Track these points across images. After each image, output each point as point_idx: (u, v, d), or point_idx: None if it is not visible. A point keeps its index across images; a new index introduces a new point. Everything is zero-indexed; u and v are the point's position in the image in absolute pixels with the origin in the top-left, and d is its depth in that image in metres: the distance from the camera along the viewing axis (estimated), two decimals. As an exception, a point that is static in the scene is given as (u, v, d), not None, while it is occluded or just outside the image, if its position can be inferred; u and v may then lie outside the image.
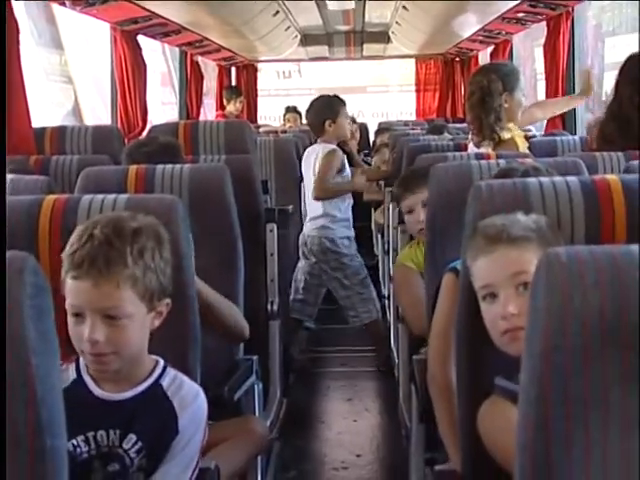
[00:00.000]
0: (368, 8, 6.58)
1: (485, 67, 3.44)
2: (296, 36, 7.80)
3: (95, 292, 1.33)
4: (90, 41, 7.25)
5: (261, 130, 6.48)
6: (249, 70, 8.54)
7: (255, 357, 2.19)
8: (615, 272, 0.92)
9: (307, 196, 4.08)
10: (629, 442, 0.92)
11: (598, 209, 1.47)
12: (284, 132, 6.24)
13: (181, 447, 1.41)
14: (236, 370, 2.02)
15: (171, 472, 1.40)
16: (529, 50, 7.68)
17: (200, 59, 6.62)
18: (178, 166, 2.28)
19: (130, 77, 4.70)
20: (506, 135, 3.04)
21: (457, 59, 8.32)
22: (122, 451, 1.39)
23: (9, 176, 2.42)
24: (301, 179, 4.36)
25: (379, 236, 5.18)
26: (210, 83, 7.94)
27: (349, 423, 3.43)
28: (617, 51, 6.09)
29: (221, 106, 7.27)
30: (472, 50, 7.41)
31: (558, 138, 3.56)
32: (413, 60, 9.26)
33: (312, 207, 4.00)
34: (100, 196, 1.72)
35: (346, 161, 4.00)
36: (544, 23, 4.58)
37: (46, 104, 6.67)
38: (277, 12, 5.97)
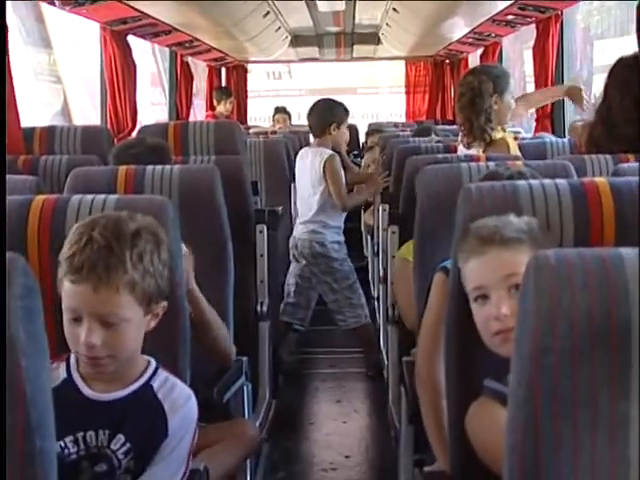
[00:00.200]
0: (358, 9, 6.59)
1: (476, 69, 3.45)
2: (286, 37, 7.79)
3: (94, 297, 1.32)
4: (79, 41, 7.23)
5: (251, 131, 6.47)
6: (239, 71, 8.54)
7: (245, 358, 2.18)
8: (604, 275, 0.93)
9: (298, 198, 4.08)
10: (617, 443, 0.93)
11: (587, 212, 1.48)
12: (274, 133, 6.24)
13: (170, 449, 1.40)
14: (226, 371, 2.02)
15: (159, 474, 1.39)
16: (518, 53, 7.71)
17: (190, 59, 6.61)
18: (168, 167, 2.27)
19: (120, 77, 4.68)
20: (497, 135, 3.05)
21: (447, 61, 8.34)
22: (110, 452, 1.38)
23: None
24: (292, 180, 4.35)
25: (369, 237, 5.19)
26: (200, 84, 7.93)
27: (338, 424, 3.43)
28: (606, 54, 6.12)
29: (211, 107, 7.26)
30: (462, 52, 7.44)
31: (547, 140, 3.58)
32: (403, 62, 9.28)
33: (303, 210, 3.99)
34: (89, 196, 1.72)
35: None
36: (533, 26, 4.60)
37: (35, 104, 6.65)
38: (267, 13, 5.97)
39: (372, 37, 8.11)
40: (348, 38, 8.27)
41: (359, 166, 6.19)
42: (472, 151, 3.04)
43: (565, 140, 3.57)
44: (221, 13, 5.18)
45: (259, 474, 2.54)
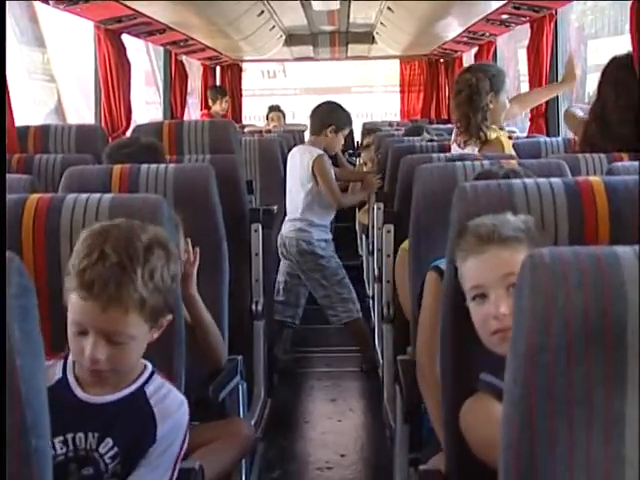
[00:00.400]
0: (353, 9, 6.58)
1: (473, 67, 3.45)
2: (281, 36, 7.79)
3: (102, 316, 1.32)
4: (73, 40, 7.21)
5: (246, 130, 6.46)
6: (234, 70, 8.52)
7: (240, 357, 2.18)
8: (599, 273, 0.93)
9: (287, 195, 4.08)
10: (612, 441, 0.93)
11: (581, 210, 1.48)
12: (268, 132, 6.23)
13: (157, 455, 1.39)
14: (220, 370, 2.02)
15: (145, 477, 1.38)
16: (513, 52, 7.72)
17: (185, 58, 6.59)
18: (163, 166, 2.27)
19: (114, 76, 4.67)
20: (492, 135, 3.06)
21: (441, 60, 8.34)
22: (98, 455, 1.38)
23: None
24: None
25: (363, 237, 5.19)
26: (194, 83, 7.91)
27: (333, 423, 3.43)
28: (599, 54, 6.13)
29: (206, 105, 7.25)
30: (456, 51, 7.44)
31: (542, 140, 3.59)
32: (397, 61, 9.28)
33: (291, 208, 4.00)
34: (84, 195, 1.71)
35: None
36: (528, 25, 4.61)
37: (29, 103, 6.63)
38: (262, 12, 5.96)
39: (367, 36, 8.11)
40: (343, 37, 8.27)
41: (354, 165, 6.20)
42: (467, 150, 3.04)
43: (559, 139, 3.58)
44: (215, 12, 5.17)
45: (254, 473, 2.54)
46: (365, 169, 5.17)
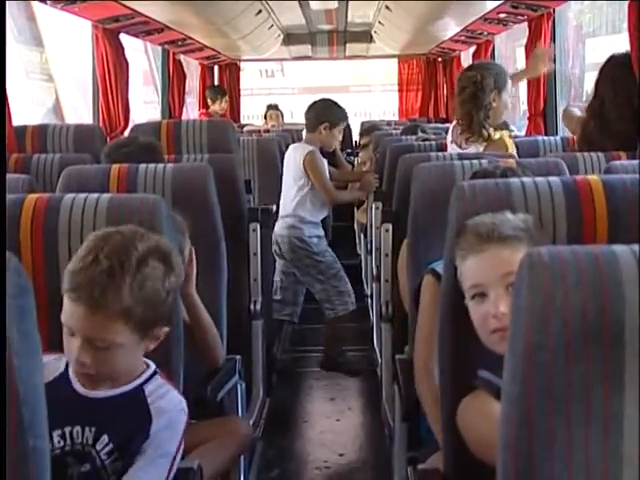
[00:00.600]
0: (351, 8, 6.58)
1: (476, 65, 3.46)
2: (279, 35, 7.78)
3: (87, 320, 1.32)
4: (71, 39, 7.20)
5: (245, 129, 6.46)
6: (232, 69, 8.52)
7: (238, 357, 2.18)
8: (597, 272, 0.93)
9: (282, 193, 4.09)
10: (610, 440, 0.93)
11: (580, 209, 1.48)
12: (267, 131, 6.23)
13: (151, 451, 1.38)
14: (219, 370, 2.02)
15: (139, 474, 1.37)
16: (511, 50, 7.72)
17: (182, 58, 6.59)
18: (161, 165, 2.27)
19: (112, 76, 4.66)
20: (496, 135, 3.06)
21: (439, 59, 8.34)
22: (94, 452, 1.39)
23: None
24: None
25: (362, 236, 5.19)
26: (192, 82, 7.91)
27: (332, 422, 3.43)
28: (597, 52, 6.13)
29: (204, 105, 7.25)
30: (454, 50, 7.44)
31: (540, 138, 3.59)
32: (396, 60, 9.28)
33: (284, 205, 4.01)
34: (82, 195, 1.71)
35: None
36: (526, 24, 4.61)
37: (26, 102, 6.62)
38: (260, 11, 5.96)
39: (365, 35, 8.10)
40: (341, 36, 8.27)
41: (352, 164, 6.20)
42: (471, 149, 3.04)
43: (558, 138, 3.58)
44: (213, 11, 5.17)
45: (253, 472, 2.54)
46: (364, 168, 5.17)
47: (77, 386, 1.42)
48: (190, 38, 6.02)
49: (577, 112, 3.24)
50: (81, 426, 1.39)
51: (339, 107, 4.02)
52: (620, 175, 1.81)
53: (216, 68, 8.26)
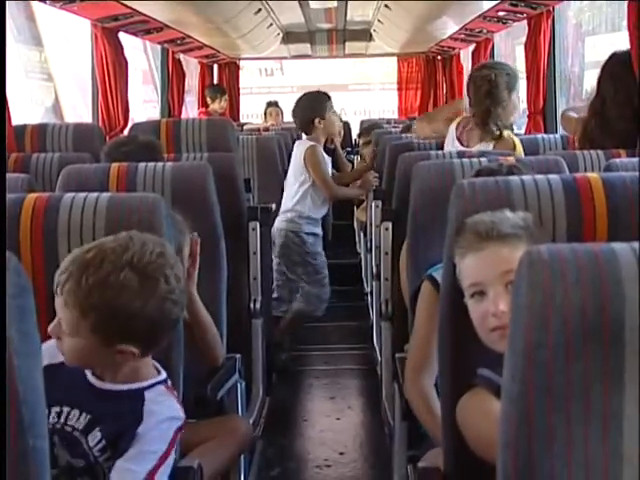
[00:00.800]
0: (350, 6, 6.57)
1: (489, 64, 3.49)
2: (278, 34, 7.78)
3: (61, 312, 1.37)
4: (70, 38, 7.20)
5: (245, 127, 6.46)
6: (231, 68, 8.51)
7: (238, 356, 2.18)
8: (596, 270, 0.93)
9: (285, 190, 4.10)
10: (610, 438, 0.93)
11: (579, 207, 1.48)
12: (267, 129, 6.22)
13: (139, 445, 1.37)
14: (219, 369, 2.02)
15: (127, 466, 1.37)
16: (510, 48, 7.71)
17: (182, 57, 6.59)
18: (160, 164, 2.27)
19: (111, 75, 4.66)
20: (505, 133, 3.10)
21: (439, 57, 8.33)
22: (88, 448, 1.39)
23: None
24: (285, 176, 4.36)
25: (361, 234, 5.19)
26: (192, 81, 7.90)
27: (332, 421, 3.43)
28: (597, 50, 6.13)
29: (203, 104, 7.24)
30: (454, 48, 7.43)
31: (540, 137, 3.59)
32: (395, 58, 9.27)
33: (285, 201, 4.02)
34: (82, 194, 1.71)
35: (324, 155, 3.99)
36: (525, 22, 4.60)
37: (26, 102, 6.62)
38: (259, 10, 5.95)
39: (364, 34, 8.10)
40: (340, 35, 8.26)
41: (352, 163, 6.20)
42: (481, 147, 3.07)
43: (557, 136, 3.58)
44: (213, 10, 5.17)
45: (253, 471, 2.54)
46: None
47: (89, 372, 1.45)
48: (189, 37, 6.01)
49: (574, 114, 3.25)
50: (79, 410, 1.41)
51: (317, 96, 4.03)
52: (620, 173, 1.80)
53: (215, 67, 8.26)
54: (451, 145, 3.24)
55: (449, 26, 6.15)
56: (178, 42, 6.02)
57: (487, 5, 4.76)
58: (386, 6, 6.00)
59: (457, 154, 2.68)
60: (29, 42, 6.95)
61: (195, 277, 1.91)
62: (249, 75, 10.31)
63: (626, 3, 2.67)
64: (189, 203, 2.18)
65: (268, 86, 10.87)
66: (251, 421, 2.47)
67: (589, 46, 6.41)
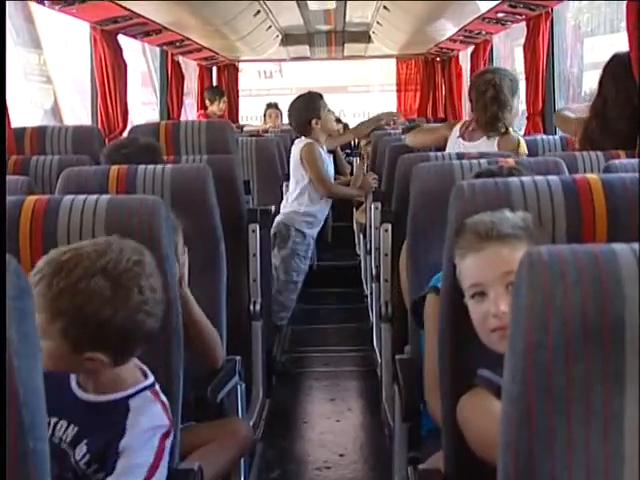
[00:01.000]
0: (349, 8, 6.58)
1: (491, 69, 3.54)
2: (277, 36, 7.78)
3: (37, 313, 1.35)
4: (69, 41, 7.20)
5: (245, 129, 6.46)
6: (230, 70, 8.52)
7: (238, 358, 2.18)
8: (596, 271, 0.93)
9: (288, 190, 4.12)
10: (611, 439, 0.93)
11: (579, 208, 1.48)
12: (266, 132, 6.23)
13: (124, 461, 1.33)
14: (219, 371, 2.02)
15: None
16: (509, 50, 7.72)
17: (181, 59, 6.59)
18: (160, 166, 2.27)
19: (110, 77, 4.67)
20: (510, 130, 3.14)
21: (438, 59, 8.34)
22: (74, 462, 1.37)
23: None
24: (284, 178, 4.38)
25: (361, 236, 5.19)
26: (191, 83, 7.91)
27: (332, 423, 3.43)
28: (596, 52, 6.14)
29: (202, 106, 7.25)
30: (452, 50, 7.44)
31: (539, 138, 3.59)
32: (394, 60, 9.28)
33: (284, 200, 4.03)
34: (82, 197, 1.71)
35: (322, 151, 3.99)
36: (524, 23, 4.61)
37: (25, 104, 6.62)
38: (258, 12, 5.96)
39: (363, 35, 8.10)
40: (339, 36, 8.26)
41: (352, 165, 6.20)
42: (486, 141, 3.11)
43: (556, 137, 3.59)
44: (212, 12, 5.17)
45: (253, 473, 2.54)
46: (364, 167, 5.18)
47: (73, 383, 1.43)
48: (188, 39, 6.02)
49: (571, 114, 3.26)
50: (67, 422, 1.39)
51: (310, 95, 4.04)
52: (619, 174, 1.81)
53: (214, 69, 8.26)
54: (454, 145, 3.26)
55: (448, 28, 6.15)
56: (177, 44, 6.02)
57: (486, 7, 4.76)
58: (385, 8, 6.00)
59: (457, 155, 2.69)
60: (28, 45, 6.95)
61: (186, 277, 1.89)
62: (248, 77, 10.31)
63: (625, 4, 2.67)
64: (189, 205, 2.18)
65: (267, 88, 10.87)
66: (251, 423, 2.47)
67: (588, 47, 6.41)
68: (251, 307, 2.72)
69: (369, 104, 10.84)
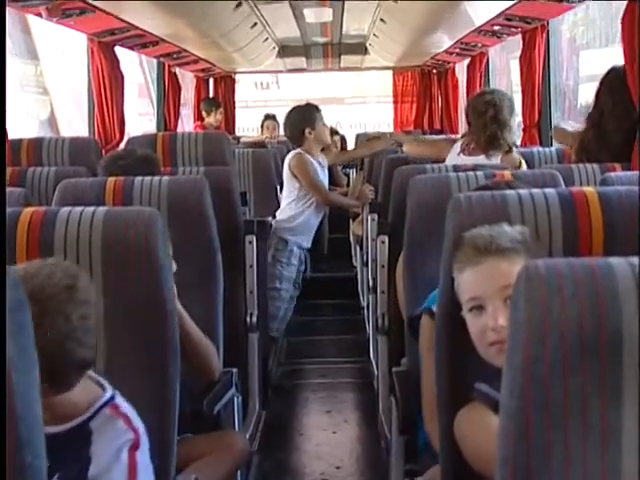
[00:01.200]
0: (346, 20, 6.60)
1: (487, 90, 3.57)
2: (274, 48, 7.80)
3: None
4: (66, 52, 7.21)
5: (242, 140, 6.47)
6: (227, 81, 8.53)
7: (235, 370, 2.18)
8: (594, 285, 0.93)
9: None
10: (608, 453, 0.93)
11: (576, 221, 1.48)
12: (263, 143, 6.23)
13: None
14: (215, 383, 2.01)
15: None
16: (505, 62, 7.75)
17: (177, 70, 6.60)
18: (157, 178, 2.27)
19: (107, 88, 4.67)
20: (513, 150, 3.16)
21: (434, 71, 8.37)
22: None
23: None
24: (281, 190, 4.39)
25: (357, 248, 5.20)
26: (187, 94, 7.92)
27: (328, 435, 3.42)
28: (591, 65, 6.16)
29: (199, 117, 7.26)
30: (449, 62, 7.46)
31: (535, 150, 3.60)
32: (390, 72, 9.31)
33: (279, 212, 4.05)
34: (78, 208, 1.71)
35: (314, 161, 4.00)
36: (519, 36, 4.63)
37: (21, 115, 6.62)
38: (255, 24, 5.98)
39: (360, 47, 8.13)
40: (336, 48, 8.29)
41: (348, 176, 6.21)
42: (488, 158, 3.12)
43: (553, 149, 3.60)
44: (209, 24, 5.18)
45: (249, 486, 2.53)
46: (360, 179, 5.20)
47: None
48: (185, 51, 6.03)
49: (569, 128, 3.30)
50: None
51: (306, 106, 4.06)
52: (615, 187, 1.81)
53: (211, 80, 8.28)
54: (454, 161, 3.27)
55: (444, 40, 6.17)
56: (174, 56, 6.03)
57: (482, 19, 4.78)
58: (382, 20, 6.03)
59: (453, 168, 2.69)
60: (25, 56, 6.96)
61: (175, 290, 1.86)
62: (245, 88, 10.33)
63: (619, 17, 2.69)
64: (185, 217, 2.18)
65: (264, 99, 10.89)
66: (247, 435, 2.46)
67: (583, 60, 6.44)
68: (247, 319, 2.71)
69: (365, 116, 10.87)
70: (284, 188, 4.04)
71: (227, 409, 2.15)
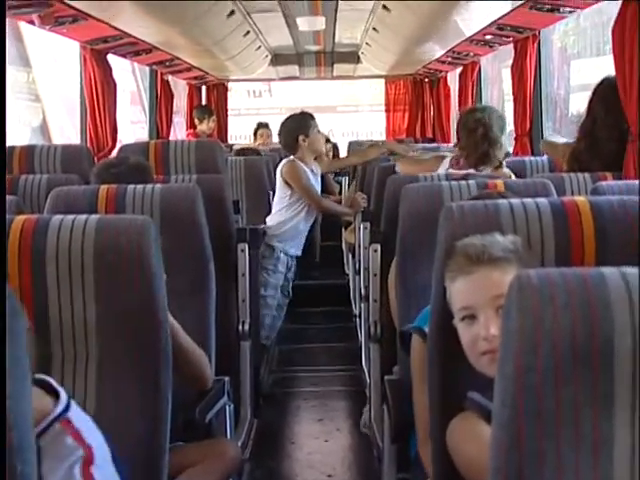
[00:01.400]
0: (338, 29, 6.62)
1: (479, 107, 3.55)
2: (267, 56, 7.82)
3: None
4: (58, 59, 7.21)
5: (234, 147, 6.48)
6: (219, 89, 8.54)
7: (227, 378, 2.17)
8: (585, 294, 0.94)
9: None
10: (600, 463, 0.93)
11: (567, 230, 1.49)
12: (255, 151, 6.23)
13: None
14: (207, 392, 2.01)
15: None
16: (497, 71, 7.78)
17: (170, 78, 6.60)
18: (149, 186, 2.27)
19: (100, 96, 4.67)
20: (504, 166, 3.16)
21: (426, 80, 8.40)
22: None
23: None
24: (273, 197, 4.39)
25: (350, 256, 5.20)
26: (180, 102, 7.92)
27: (320, 443, 3.41)
28: (582, 74, 6.20)
29: (191, 125, 7.26)
30: (441, 71, 7.49)
31: (527, 159, 3.61)
32: (383, 80, 9.34)
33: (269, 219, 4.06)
34: (71, 216, 1.70)
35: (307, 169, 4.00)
36: (511, 45, 4.66)
37: (13, 122, 6.61)
38: (248, 32, 5.99)
39: (352, 56, 8.16)
40: (328, 57, 8.31)
41: (340, 185, 6.22)
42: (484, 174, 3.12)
43: (544, 158, 3.61)
44: (201, 32, 5.19)
45: (241, 494, 2.52)
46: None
47: None
48: (178, 58, 6.04)
49: (559, 139, 3.31)
50: None
51: (301, 114, 4.07)
52: (607, 196, 1.82)
53: (204, 88, 8.28)
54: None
55: (436, 49, 6.20)
56: (167, 64, 6.04)
57: (474, 29, 4.80)
58: (374, 29, 6.05)
59: (445, 177, 2.70)
60: (17, 63, 6.95)
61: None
62: (237, 96, 10.34)
63: (610, 27, 2.71)
64: (178, 225, 2.17)
65: (257, 107, 10.91)
66: (239, 443, 2.46)
67: (574, 69, 6.48)
68: (240, 327, 2.71)
69: (358, 124, 10.89)
70: (275, 195, 4.04)
71: (219, 417, 2.14)
